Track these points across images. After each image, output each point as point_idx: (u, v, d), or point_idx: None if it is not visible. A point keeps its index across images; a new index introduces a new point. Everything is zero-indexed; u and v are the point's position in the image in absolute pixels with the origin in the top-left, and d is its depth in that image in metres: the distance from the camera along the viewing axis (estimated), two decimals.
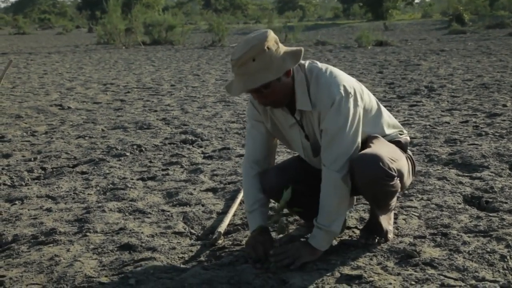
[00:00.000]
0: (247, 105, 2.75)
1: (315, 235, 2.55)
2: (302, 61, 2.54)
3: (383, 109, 2.76)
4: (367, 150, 2.51)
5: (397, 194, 2.66)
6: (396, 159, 2.57)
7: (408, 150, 2.84)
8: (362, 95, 2.57)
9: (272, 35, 2.42)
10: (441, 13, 37.55)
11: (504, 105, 6.55)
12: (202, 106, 7.49)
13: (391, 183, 2.52)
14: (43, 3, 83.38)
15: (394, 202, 2.72)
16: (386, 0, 40.97)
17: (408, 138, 2.86)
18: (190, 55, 17.03)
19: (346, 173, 2.47)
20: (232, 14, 56.26)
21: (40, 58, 17.25)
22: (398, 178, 2.57)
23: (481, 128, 5.37)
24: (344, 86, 2.48)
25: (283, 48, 2.45)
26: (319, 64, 2.58)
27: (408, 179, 2.75)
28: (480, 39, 19.00)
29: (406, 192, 3.49)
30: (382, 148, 2.55)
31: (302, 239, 2.74)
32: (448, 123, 5.71)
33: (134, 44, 22.49)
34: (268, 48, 2.37)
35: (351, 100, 2.48)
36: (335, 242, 2.75)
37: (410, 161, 2.78)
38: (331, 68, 2.57)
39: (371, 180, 2.48)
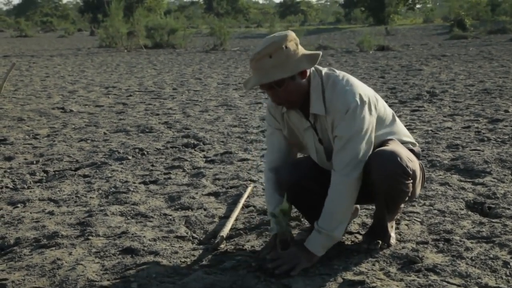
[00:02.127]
0: (266, 113, 2.81)
1: (312, 238, 2.55)
2: (320, 67, 2.60)
3: (398, 121, 2.79)
4: (385, 147, 2.55)
5: (406, 198, 2.66)
6: (413, 160, 2.61)
7: (420, 158, 2.85)
8: (376, 105, 2.60)
9: (292, 36, 2.49)
10: (442, 18, 37.64)
11: (506, 111, 6.54)
12: (204, 110, 7.49)
13: (406, 182, 2.55)
14: (45, 5, 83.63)
15: (401, 208, 2.74)
16: (388, 5, 41.02)
17: (420, 150, 2.88)
18: (192, 59, 17.06)
19: (356, 179, 2.49)
20: (233, 18, 56.35)
21: (42, 61, 17.28)
22: (412, 180, 2.59)
23: (483, 133, 5.37)
24: (360, 95, 2.51)
25: (302, 51, 2.51)
26: (337, 72, 2.62)
27: (418, 186, 2.76)
28: (481, 44, 19.02)
29: None
30: (399, 148, 2.59)
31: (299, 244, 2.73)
32: (450, 128, 5.71)
33: (136, 48, 22.52)
34: (286, 47, 2.44)
35: (366, 109, 2.51)
36: (337, 247, 2.75)
37: (422, 169, 2.80)
38: (348, 76, 2.61)
39: (388, 175, 2.50)
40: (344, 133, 2.48)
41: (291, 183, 2.69)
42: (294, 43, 2.48)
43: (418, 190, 2.80)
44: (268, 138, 2.81)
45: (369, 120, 2.52)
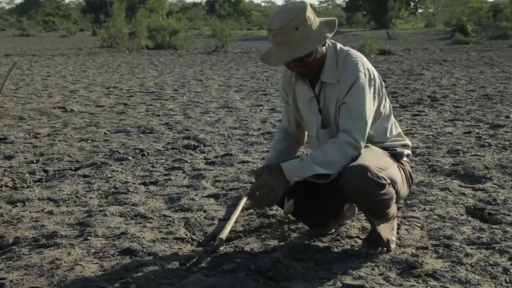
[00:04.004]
0: (279, 87, 2.92)
1: (290, 162, 2.56)
2: (334, 41, 2.69)
3: (393, 118, 2.82)
4: (354, 162, 2.54)
5: (393, 202, 2.65)
6: (385, 168, 2.59)
7: (405, 161, 2.83)
8: (381, 88, 2.68)
9: (309, 5, 2.54)
10: (444, 23, 37.66)
11: (507, 117, 6.54)
12: (205, 112, 7.49)
13: (383, 191, 2.54)
14: (47, 5, 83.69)
15: (392, 210, 2.70)
16: (390, 9, 41.04)
17: (407, 151, 2.86)
18: (193, 60, 17.06)
19: (358, 145, 2.54)
20: (235, 20, 56.39)
21: (44, 60, 17.28)
22: (391, 185, 2.59)
23: (484, 139, 5.36)
24: (368, 70, 2.61)
25: (318, 18, 2.58)
26: (352, 49, 2.70)
27: (402, 188, 2.75)
28: (483, 50, 19.02)
29: (408, 202, 3.49)
30: (369, 159, 2.57)
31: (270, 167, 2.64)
32: (451, 133, 5.70)
33: (138, 48, 22.53)
34: (308, 17, 2.50)
35: (372, 83, 2.60)
36: (336, 250, 2.74)
37: (403, 170, 2.78)
38: (361, 55, 2.69)
39: (362, 192, 2.52)
40: (353, 100, 2.53)
41: None
42: (311, 11, 2.54)
43: (404, 191, 2.80)
44: (283, 108, 2.95)
45: (374, 92, 2.60)
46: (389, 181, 2.56)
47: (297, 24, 2.45)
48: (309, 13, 2.51)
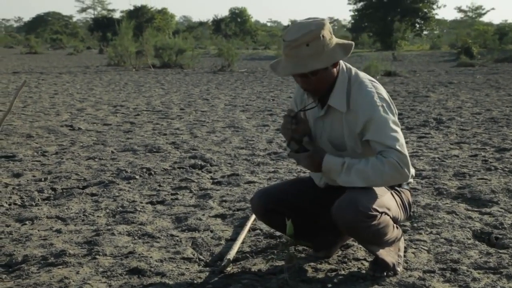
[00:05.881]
0: (293, 94, 2.90)
1: (333, 156, 2.56)
2: (349, 65, 2.67)
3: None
4: (344, 196, 2.54)
5: (390, 228, 2.64)
6: (377, 196, 2.57)
7: (405, 189, 2.82)
8: (395, 114, 2.66)
9: (328, 25, 2.53)
10: (449, 45, 37.73)
11: None
12: (211, 131, 7.53)
13: (375, 222, 2.53)
14: (55, 23, 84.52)
15: (392, 235, 2.69)
16: (395, 30, 41.26)
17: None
18: (199, 79, 17.15)
19: (405, 172, 2.49)
20: (241, 40, 56.66)
21: (51, 78, 17.41)
22: (384, 213, 2.57)
23: (490, 162, 5.36)
24: (385, 100, 2.58)
25: (335, 39, 2.55)
26: (366, 75, 2.68)
27: (399, 213, 2.74)
28: (488, 72, 19.06)
29: (415, 225, 3.50)
30: (360, 189, 2.54)
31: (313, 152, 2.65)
32: (457, 156, 5.71)
33: (144, 67, 22.67)
34: (323, 36, 2.47)
35: (390, 112, 2.57)
36: (343, 272, 2.75)
37: (398, 196, 2.76)
38: (376, 84, 2.66)
39: (353, 226, 2.52)
40: (377, 138, 2.50)
41: (262, 209, 2.86)
42: (329, 31, 2.52)
43: (402, 216, 2.78)
44: None
45: (394, 118, 2.58)
46: (381, 210, 2.55)
47: (309, 40, 2.44)
48: (326, 32, 2.48)
